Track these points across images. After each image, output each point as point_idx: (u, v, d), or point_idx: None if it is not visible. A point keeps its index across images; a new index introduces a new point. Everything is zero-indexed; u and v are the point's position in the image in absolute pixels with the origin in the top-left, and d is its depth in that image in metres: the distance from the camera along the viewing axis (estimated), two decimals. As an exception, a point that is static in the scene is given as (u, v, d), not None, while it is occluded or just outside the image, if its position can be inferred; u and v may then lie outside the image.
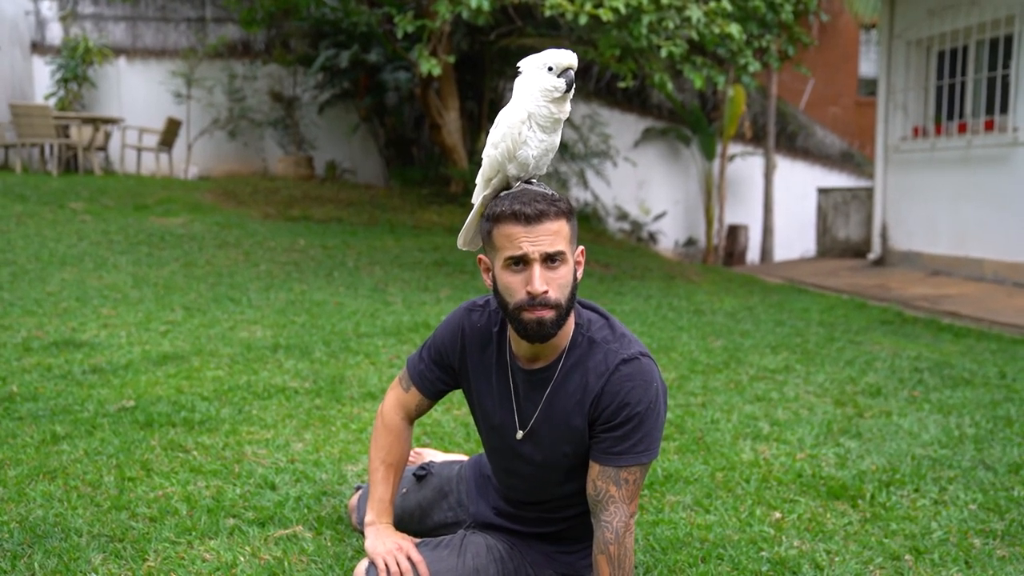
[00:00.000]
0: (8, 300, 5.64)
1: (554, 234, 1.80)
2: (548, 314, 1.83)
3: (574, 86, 1.83)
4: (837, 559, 2.34)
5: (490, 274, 1.90)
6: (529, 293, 1.80)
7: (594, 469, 1.91)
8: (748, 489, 2.87)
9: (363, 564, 2.00)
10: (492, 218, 1.83)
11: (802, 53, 13.27)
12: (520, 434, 1.99)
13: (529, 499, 2.10)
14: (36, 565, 2.12)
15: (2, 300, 5.63)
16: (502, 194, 1.86)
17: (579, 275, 1.89)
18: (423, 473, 2.38)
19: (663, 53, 6.68)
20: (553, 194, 1.83)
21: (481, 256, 1.95)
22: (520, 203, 1.79)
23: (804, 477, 2.99)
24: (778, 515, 2.65)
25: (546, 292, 1.81)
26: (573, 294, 1.87)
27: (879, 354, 5.18)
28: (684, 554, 2.34)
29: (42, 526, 2.33)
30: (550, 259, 1.81)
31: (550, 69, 1.79)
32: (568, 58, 1.79)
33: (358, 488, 2.57)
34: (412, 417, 2.19)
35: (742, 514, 2.66)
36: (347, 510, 2.56)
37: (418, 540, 2.10)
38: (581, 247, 1.91)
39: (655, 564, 2.28)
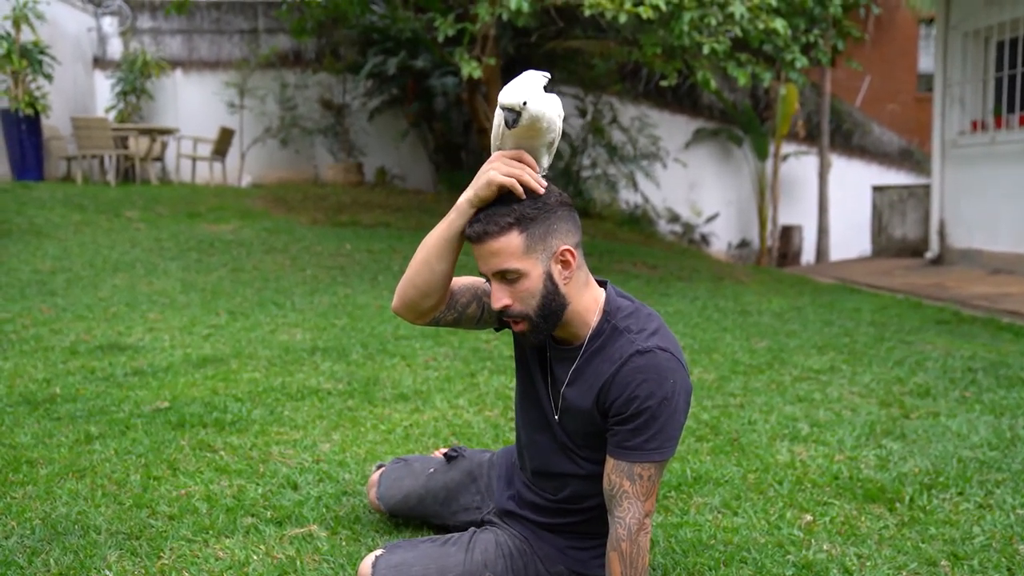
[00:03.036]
0: (61, 305, 5.79)
1: (497, 254, 1.81)
2: (520, 327, 1.87)
3: (521, 123, 1.79)
4: (868, 564, 2.24)
5: None
6: (495, 308, 1.87)
7: (608, 463, 1.87)
8: (780, 491, 2.78)
9: (368, 560, 1.98)
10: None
11: (857, 49, 12.98)
12: (557, 416, 1.98)
13: (550, 469, 2.04)
14: (52, 561, 2.15)
15: (55, 305, 5.78)
16: None
17: (567, 275, 1.86)
18: (454, 455, 2.39)
19: (705, 50, 6.57)
20: (503, 210, 1.81)
21: None
22: (469, 223, 1.85)
23: (841, 479, 2.88)
24: (809, 518, 2.56)
25: (508, 306, 1.85)
26: (548, 300, 1.84)
27: (931, 354, 5.00)
28: (706, 557, 2.27)
29: (63, 523, 2.36)
30: (503, 276, 1.83)
31: (506, 103, 1.77)
32: (509, 97, 1.76)
33: (379, 467, 2.58)
34: (460, 289, 2.04)
35: (771, 517, 2.57)
36: (366, 488, 2.55)
37: (425, 538, 2.07)
38: (565, 246, 1.85)
39: (674, 567, 2.21)
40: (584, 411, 1.91)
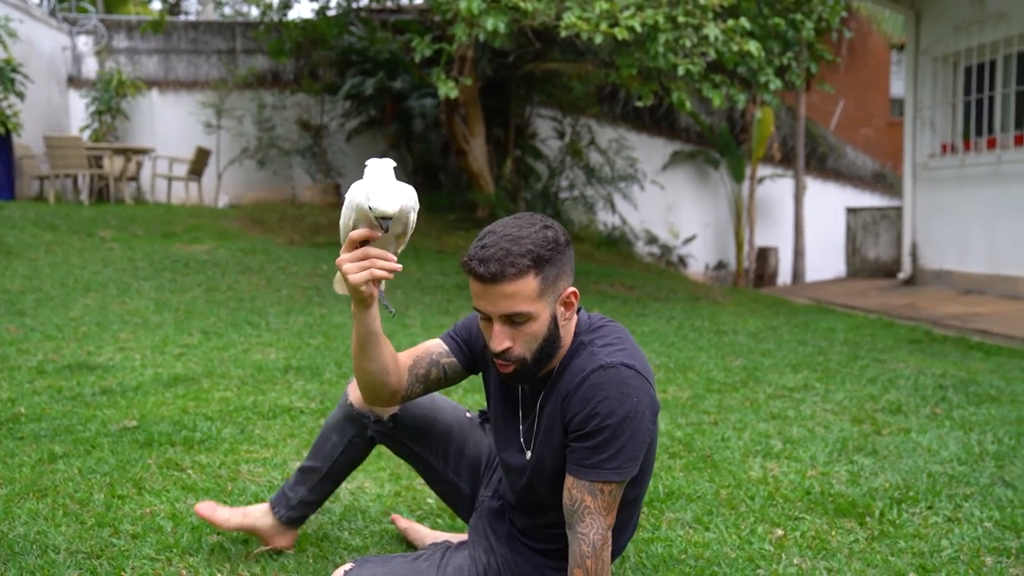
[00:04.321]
0: (30, 326, 5.70)
1: (511, 296, 1.73)
2: (509, 369, 1.81)
3: (392, 226, 1.80)
4: (838, 578, 2.24)
5: None
6: (492, 349, 1.80)
7: (568, 479, 1.82)
8: (752, 507, 2.77)
9: (338, 574, 1.95)
10: (462, 266, 1.78)
11: (831, 73, 13.17)
12: (528, 454, 1.94)
13: (527, 499, 2.00)
14: (9, 581, 2.10)
15: (24, 325, 5.70)
16: (480, 233, 1.82)
17: (568, 315, 1.83)
18: (480, 420, 2.33)
19: (680, 71, 6.63)
20: (522, 242, 1.73)
21: None
22: (478, 259, 1.74)
23: (812, 494, 2.88)
24: (780, 532, 2.55)
25: (508, 349, 1.78)
26: (548, 343, 1.80)
27: (903, 372, 5.03)
28: (676, 572, 2.25)
29: (21, 543, 2.31)
30: (510, 320, 1.76)
31: (370, 208, 1.75)
32: (382, 205, 1.73)
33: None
34: (415, 361, 1.98)
35: (743, 532, 2.56)
36: (344, 398, 2.33)
37: (397, 554, 2.04)
38: (571, 289, 1.82)
39: (643, 582, 2.19)
40: (554, 435, 1.86)
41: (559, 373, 1.86)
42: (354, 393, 2.23)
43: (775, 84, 7.27)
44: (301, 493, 2.31)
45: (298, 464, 3.10)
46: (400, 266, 1.77)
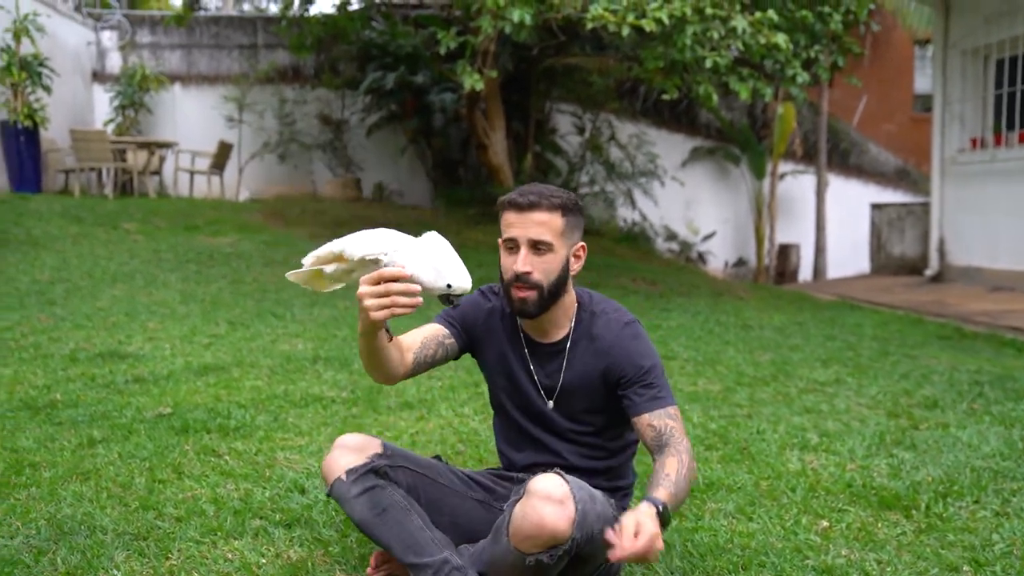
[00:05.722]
0: (60, 315, 5.74)
1: (542, 224, 2.02)
2: (529, 294, 2.04)
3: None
4: (888, 569, 2.21)
5: None
6: (515, 271, 2.02)
7: (643, 419, 2.04)
8: (794, 498, 2.74)
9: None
10: (499, 205, 2.07)
11: (855, 68, 13.06)
12: (550, 404, 2.16)
13: (537, 461, 2.17)
14: (59, 560, 2.11)
15: (54, 315, 5.73)
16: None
17: (576, 268, 2.11)
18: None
19: (708, 64, 6.59)
20: (554, 190, 2.05)
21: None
22: (519, 194, 2.04)
23: (854, 487, 2.85)
24: (825, 524, 2.52)
25: (529, 272, 2.03)
26: (560, 281, 2.07)
27: (936, 368, 4.98)
28: (723, 560, 2.23)
29: (69, 523, 2.32)
30: (536, 246, 2.02)
31: (449, 286, 1.85)
32: (461, 282, 1.88)
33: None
34: (423, 344, 2.14)
35: (787, 522, 2.53)
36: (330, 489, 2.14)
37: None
38: (582, 243, 2.12)
39: (692, 570, 2.17)
40: (587, 389, 2.12)
41: (579, 338, 2.13)
42: (330, 473, 2.07)
43: (802, 78, 7.21)
44: (438, 558, 2.00)
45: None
46: (421, 300, 1.83)
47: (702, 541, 2.36)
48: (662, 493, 1.86)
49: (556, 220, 2.03)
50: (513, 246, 2.04)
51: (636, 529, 1.72)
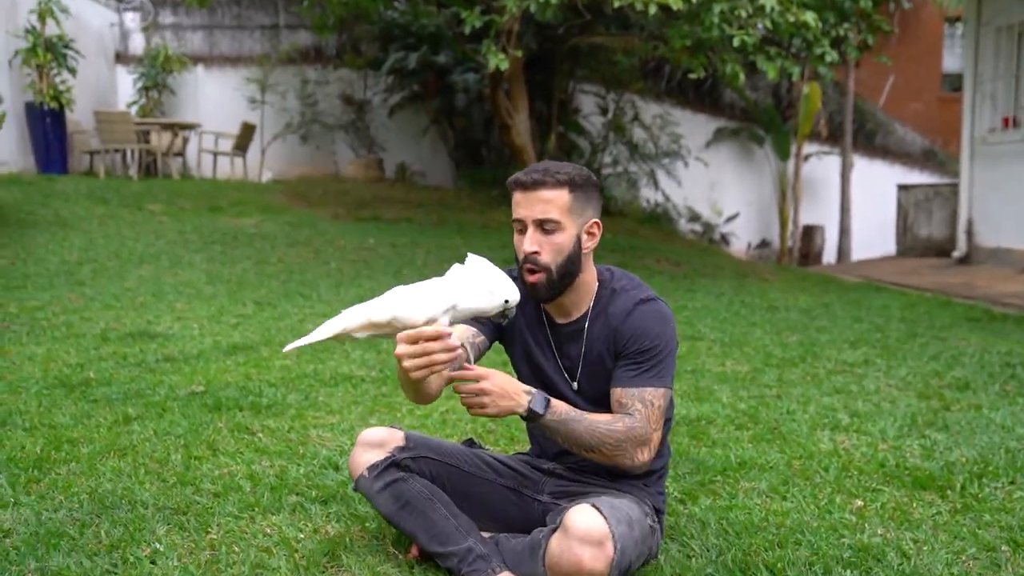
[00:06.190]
0: (89, 295, 5.80)
1: (547, 202, 1.97)
2: (538, 278, 2.00)
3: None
4: (925, 548, 2.20)
5: None
6: (524, 251, 1.99)
7: (616, 391, 2.01)
8: (827, 478, 2.74)
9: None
10: (508, 185, 2.03)
11: (882, 47, 12.87)
12: (575, 386, 2.11)
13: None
14: (103, 533, 2.14)
15: (83, 295, 5.79)
16: None
17: (589, 245, 2.04)
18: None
19: (735, 43, 6.51)
20: (562, 166, 2.00)
21: None
22: (524, 172, 2.00)
23: (887, 467, 2.84)
24: (860, 503, 2.52)
25: (536, 253, 1.98)
26: (571, 260, 2.00)
27: (966, 350, 4.93)
28: (759, 538, 2.23)
29: (110, 498, 2.35)
30: (542, 224, 1.97)
31: (506, 302, 1.87)
32: (512, 295, 1.88)
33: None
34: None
35: (821, 502, 2.53)
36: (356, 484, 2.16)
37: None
38: (595, 219, 2.04)
39: (728, 547, 2.17)
40: (603, 368, 2.06)
41: (598, 315, 2.08)
42: (353, 469, 2.10)
43: (831, 56, 7.12)
44: (462, 547, 2.01)
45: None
46: (459, 346, 1.83)
47: (737, 519, 2.36)
48: (559, 406, 1.92)
49: (563, 197, 1.97)
50: (522, 227, 2.00)
51: (485, 376, 1.84)
